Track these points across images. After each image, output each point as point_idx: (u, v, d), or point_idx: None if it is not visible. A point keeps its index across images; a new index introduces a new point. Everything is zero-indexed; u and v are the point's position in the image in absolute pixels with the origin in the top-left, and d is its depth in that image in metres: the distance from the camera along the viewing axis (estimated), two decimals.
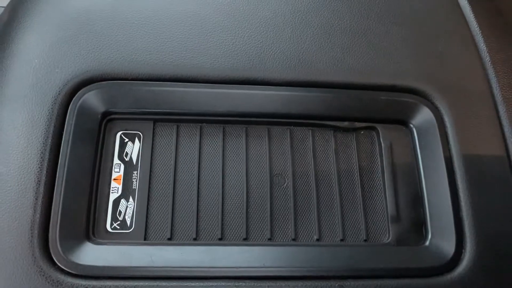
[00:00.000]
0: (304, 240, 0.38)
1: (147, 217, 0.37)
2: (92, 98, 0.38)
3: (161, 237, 0.36)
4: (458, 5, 0.47)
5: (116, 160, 0.38)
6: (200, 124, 0.40)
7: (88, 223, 0.35)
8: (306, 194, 0.39)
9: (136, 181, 0.38)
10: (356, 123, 0.41)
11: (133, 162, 0.38)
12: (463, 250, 0.36)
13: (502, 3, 0.50)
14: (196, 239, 0.37)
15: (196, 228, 0.37)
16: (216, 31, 0.42)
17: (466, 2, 0.47)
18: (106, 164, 0.38)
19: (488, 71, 0.43)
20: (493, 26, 0.46)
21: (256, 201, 0.38)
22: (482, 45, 0.45)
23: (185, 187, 0.38)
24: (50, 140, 0.36)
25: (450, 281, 0.35)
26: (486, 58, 0.44)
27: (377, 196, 0.39)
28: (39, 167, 0.35)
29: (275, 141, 0.40)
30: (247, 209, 0.38)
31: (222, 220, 0.37)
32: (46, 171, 0.35)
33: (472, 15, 0.46)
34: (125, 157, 0.38)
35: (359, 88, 0.41)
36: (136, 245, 0.35)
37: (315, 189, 0.39)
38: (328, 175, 0.40)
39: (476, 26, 0.46)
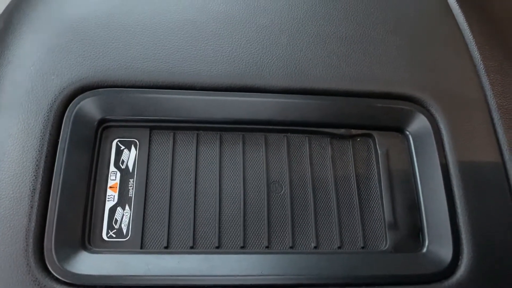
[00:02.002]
0: (302, 248, 0.37)
1: (143, 225, 0.36)
2: (88, 106, 0.38)
3: (157, 245, 0.36)
4: (451, 14, 0.48)
5: (112, 168, 0.38)
6: (196, 132, 0.40)
7: (83, 232, 0.35)
8: (303, 202, 0.39)
9: (133, 189, 0.37)
10: (352, 130, 0.41)
11: (129, 170, 0.38)
12: (461, 257, 0.36)
13: (495, 12, 0.50)
14: (193, 248, 0.36)
15: (193, 236, 0.36)
16: (213, 38, 0.42)
17: (460, 10, 0.48)
18: (102, 172, 0.37)
19: (482, 78, 0.44)
20: (486, 34, 0.47)
21: (253, 208, 0.38)
22: (476, 53, 0.45)
23: (182, 195, 0.38)
24: (45, 148, 0.36)
25: None
26: (480, 66, 0.44)
27: (374, 203, 0.40)
28: (34, 175, 0.35)
29: (272, 148, 0.40)
30: (244, 217, 0.38)
31: (219, 228, 0.37)
32: (42, 179, 0.35)
33: (465, 23, 0.47)
34: (121, 165, 0.38)
35: (355, 96, 0.41)
36: (132, 253, 0.35)
37: (312, 196, 0.39)
38: (325, 182, 0.40)
39: (470, 34, 0.46)
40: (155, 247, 0.36)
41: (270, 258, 0.36)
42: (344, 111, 0.41)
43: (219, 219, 0.37)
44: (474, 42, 0.45)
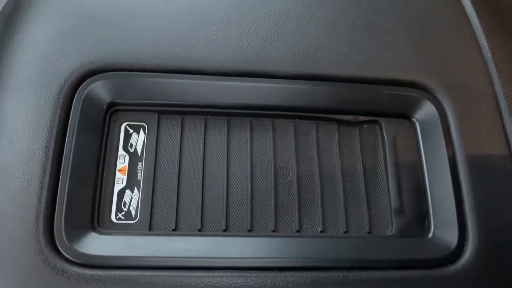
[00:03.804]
0: (308, 232, 0.38)
1: (152, 208, 0.37)
2: (97, 89, 0.38)
3: (166, 228, 0.36)
4: (459, 1, 0.47)
5: (121, 151, 0.38)
6: (204, 117, 0.40)
7: (93, 213, 0.35)
8: (310, 187, 0.39)
9: (141, 172, 0.38)
10: (359, 116, 0.41)
11: (138, 153, 0.38)
12: (466, 242, 0.37)
13: (503, 0, 0.50)
14: (201, 230, 0.37)
15: (200, 219, 0.37)
16: (222, 23, 0.42)
17: None
18: (111, 155, 0.38)
19: (489, 67, 0.44)
20: (494, 23, 0.47)
21: (261, 193, 0.38)
22: (483, 41, 0.45)
23: (190, 179, 0.38)
24: (55, 130, 0.36)
25: (453, 272, 0.36)
26: (488, 54, 0.44)
27: (380, 189, 0.40)
28: (44, 157, 0.35)
29: (279, 134, 0.41)
30: (251, 201, 0.38)
31: (226, 211, 0.37)
32: (52, 161, 0.35)
33: (473, 11, 0.47)
34: (130, 148, 0.38)
35: (363, 82, 0.41)
36: (141, 235, 0.35)
37: (319, 181, 0.39)
38: (332, 168, 0.40)
39: (478, 22, 0.46)
40: (163, 230, 0.36)
41: (277, 241, 0.36)
42: (352, 98, 0.41)
43: (227, 203, 0.38)
44: (481, 30, 0.45)
